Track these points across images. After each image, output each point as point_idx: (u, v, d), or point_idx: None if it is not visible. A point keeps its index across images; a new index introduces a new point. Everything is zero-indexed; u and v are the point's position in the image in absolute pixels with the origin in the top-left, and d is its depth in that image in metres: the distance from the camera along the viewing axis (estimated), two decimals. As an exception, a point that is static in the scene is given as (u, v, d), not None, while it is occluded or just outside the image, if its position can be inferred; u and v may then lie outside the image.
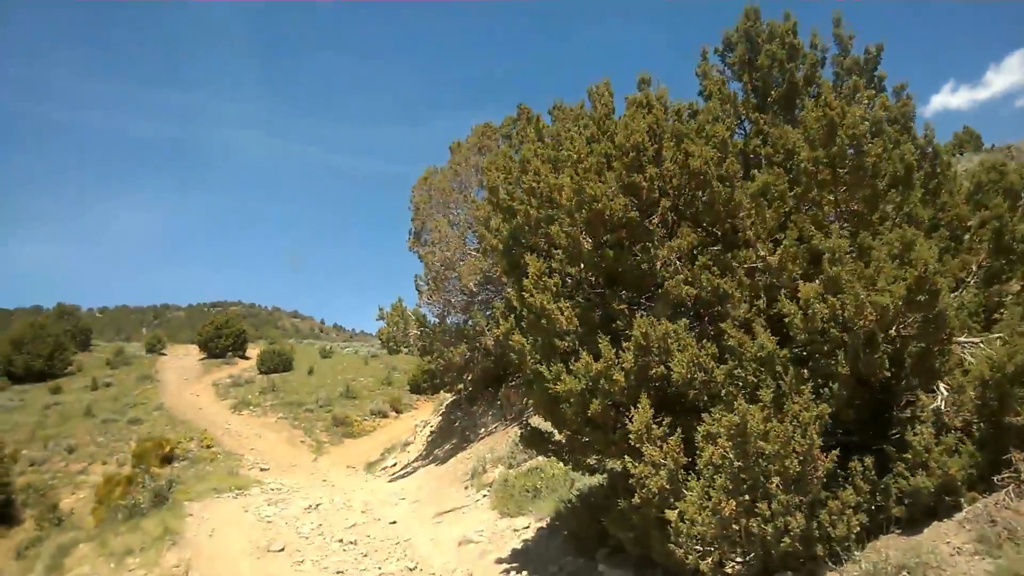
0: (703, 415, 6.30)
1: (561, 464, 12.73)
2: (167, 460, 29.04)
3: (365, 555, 11.50)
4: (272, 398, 36.74)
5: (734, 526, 5.89)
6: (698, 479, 6.14)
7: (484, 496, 14.15)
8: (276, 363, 40.63)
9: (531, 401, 8.42)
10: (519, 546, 10.45)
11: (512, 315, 8.44)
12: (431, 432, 23.55)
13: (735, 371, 6.40)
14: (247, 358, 44.35)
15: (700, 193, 7.37)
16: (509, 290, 9.74)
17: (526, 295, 7.67)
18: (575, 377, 7.20)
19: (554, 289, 7.58)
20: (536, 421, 10.21)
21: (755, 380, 6.32)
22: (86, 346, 47.05)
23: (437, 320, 19.80)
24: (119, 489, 15.40)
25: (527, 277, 7.70)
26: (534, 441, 9.22)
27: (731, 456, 5.86)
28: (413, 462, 21.52)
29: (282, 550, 11.98)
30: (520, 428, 9.01)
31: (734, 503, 5.77)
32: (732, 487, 5.85)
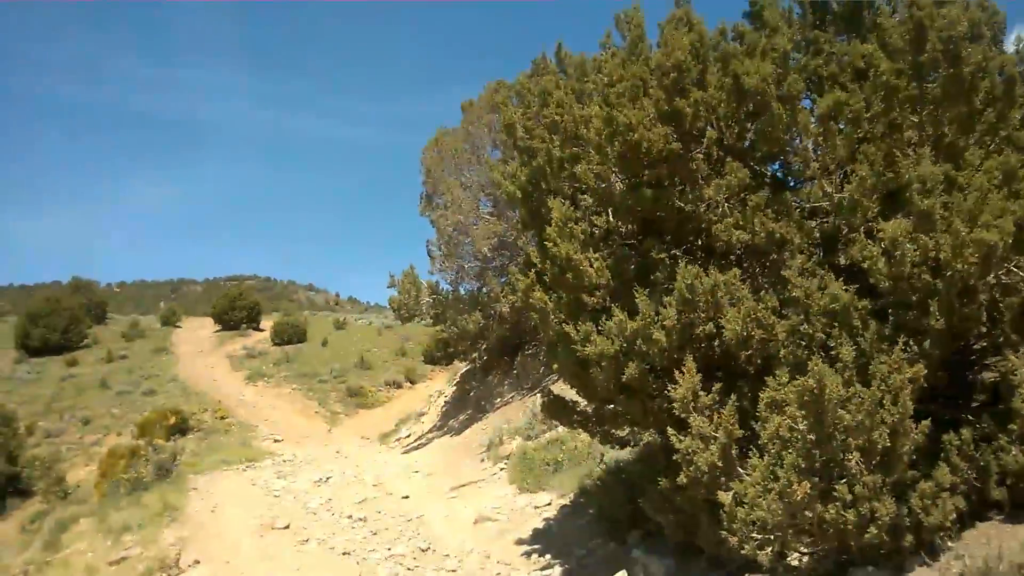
0: (766, 379, 5.18)
1: (585, 436, 11.75)
2: (182, 431, 28.31)
3: (374, 533, 10.52)
4: (286, 369, 35.88)
5: (806, 512, 4.80)
6: (761, 456, 5.04)
7: (501, 469, 13.15)
8: (290, 335, 39.74)
9: (555, 366, 7.30)
10: (540, 525, 9.44)
11: (532, 271, 7.31)
12: (445, 402, 22.57)
13: (800, 327, 5.28)
14: (261, 330, 43.49)
15: (750, 125, 6.22)
16: (530, 248, 8.58)
17: (549, 245, 6.55)
18: (607, 338, 6.10)
19: (582, 237, 6.45)
20: (559, 388, 9.12)
21: (824, 337, 5.21)
22: (102, 319, 46.35)
23: (450, 287, 18.73)
24: (123, 462, 14.51)
25: (550, 225, 6.57)
26: (557, 410, 8.14)
27: (802, 428, 4.76)
28: (427, 433, 20.56)
29: (287, 527, 11.03)
30: (542, 396, 7.88)
31: (808, 485, 4.67)
32: (804, 465, 4.75)
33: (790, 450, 4.79)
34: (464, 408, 20.31)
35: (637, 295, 5.89)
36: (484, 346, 19.18)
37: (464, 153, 18.34)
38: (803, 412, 4.71)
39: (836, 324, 5.16)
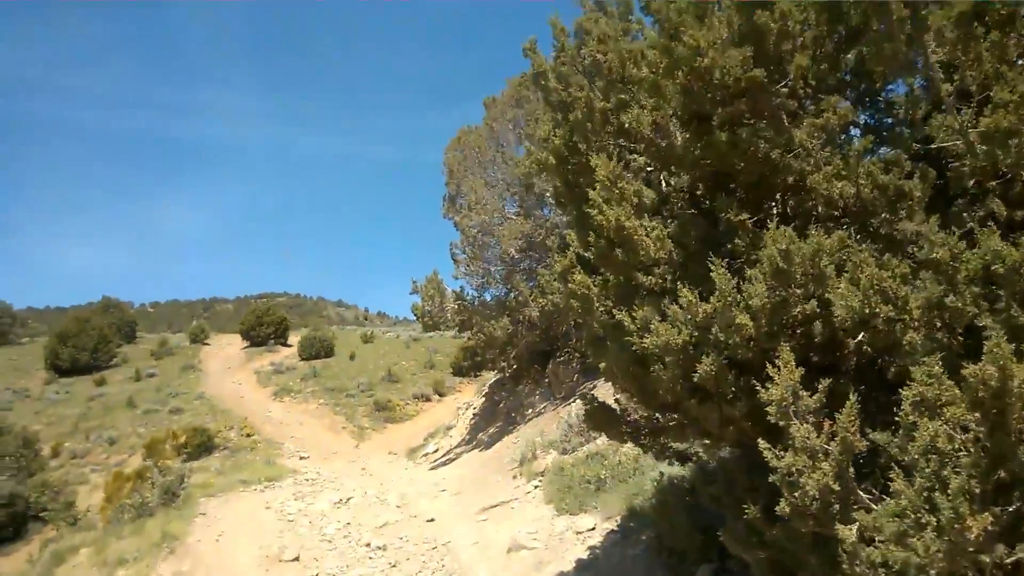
0: (884, 372, 3.70)
1: (629, 449, 10.25)
2: (207, 449, 27.16)
3: (393, 565, 9.12)
4: (313, 384, 34.68)
5: (982, 556, 3.30)
6: (907, 476, 3.55)
7: (536, 487, 11.68)
8: (317, 349, 38.61)
9: (602, 366, 5.83)
10: (584, 555, 7.95)
11: (569, 251, 5.88)
12: (474, 415, 21.15)
13: (945, 300, 3.80)
14: (289, 345, 42.42)
15: (847, 49, 4.78)
16: (569, 233, 7.10)
17: (593, 214, 5.11)
18: (672, 326, 4.66)
19: (635, 200, 5.02)
20: (603, 393, 7.66)
21: (974, 312, 3.72)
22: (132, 338, 45.60)
23: (476, 293, 17.34)
24: (128, 485, 13.26)
25: (594, 189, 5.15)
26: (602, 421, 6.70)
27: (973, 437, 3.27)
28: (456, 447, 19.14)
29: (296, 559, 9.66)
30: (583, 404, 6.42)
31: (988, 518, 3.18)
32: (980, 490, 3.26)
33: (957, 469, 3.29)
34: (493, 420, 18.88)
35: (714, 267, 4.45)
36: (513, 354, 17.74)
37: (488, 151, 16.99)
38: (976, 414, 3.22)
39: (993, 292, 3.68)
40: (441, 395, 33.76)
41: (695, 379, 4.64)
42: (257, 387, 36.03)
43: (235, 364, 40.22)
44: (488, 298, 17.33)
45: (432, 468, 18.17)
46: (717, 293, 4.42)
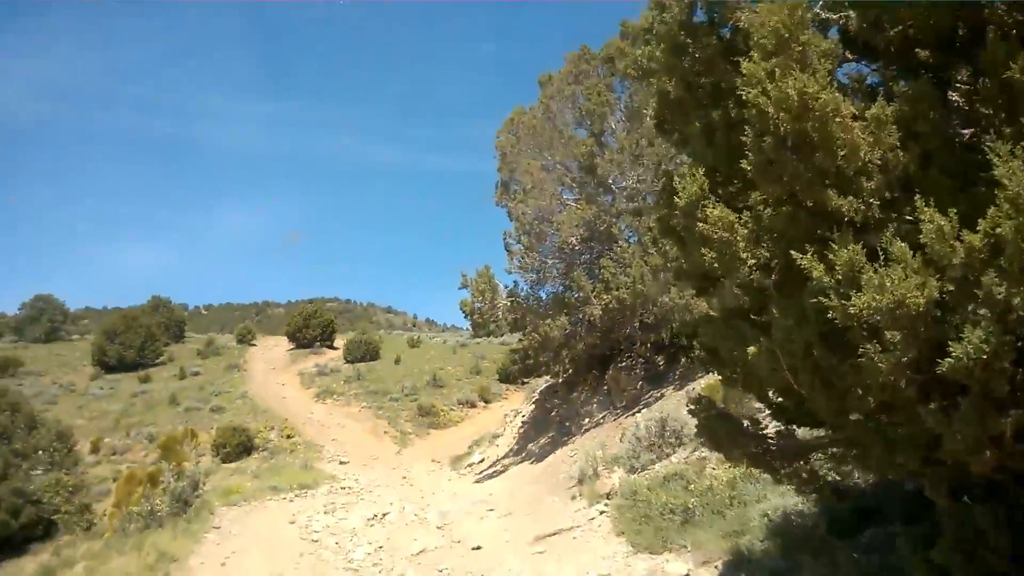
0: None
1: (722, 472, 8.13)
2: (247, 450, 25.64)
3: (429, 610, 7.07)
4: (357, 387, 32.99)
5: None
6: None
7: (601, 513, 9.57)
8: (363, 352, 36.97)
9: (751, 352, 3.63)
10: (681, 615, 5.81)
11: (701, 171, 3.81)
12: (523, 423, 19.08)
13: None
14: (335, 348, 40.92)
15: None
16: (683, 166, 4.99)
17: (751, 95, 3.04)
18: (905, 272, 2.58)
19: (828, 66, 2.94)
20: (710, 390, 5.56)
21: None
22: (180, 338, 44.64)
23: (531, 289, 15.30)
24: (139, 490, 11.52)
25: (749, 58, 3.09)
26: (724, 434, 4.60)
27: None
28: (503, 458, 17.10)
29: (310, 594, 7.68)
30: (695, 408, 4.32)
31: None
32: None
33: None
34: (545, 430, 16.78)
35: (999, 159, 2.36)
36: (569, 357, 15.65)
37: (544, 132, 14.99)
38: None
39: None
40: (487, 402, 31.83)
41: (941, 367, 2.55)
42: (300, 388, 34.55)
43: (280, 365, 38.82)
44: (544, 295, 15.29)
45: (477, 480, 16.15)
46: (992, 214, 2.34)
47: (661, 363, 14.74)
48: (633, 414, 13.28)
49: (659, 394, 13.45)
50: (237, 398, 32.80)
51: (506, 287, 15.37)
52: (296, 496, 15.14)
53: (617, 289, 13.14)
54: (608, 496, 10.10)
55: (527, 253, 14.60)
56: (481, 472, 17.10)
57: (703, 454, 9.91)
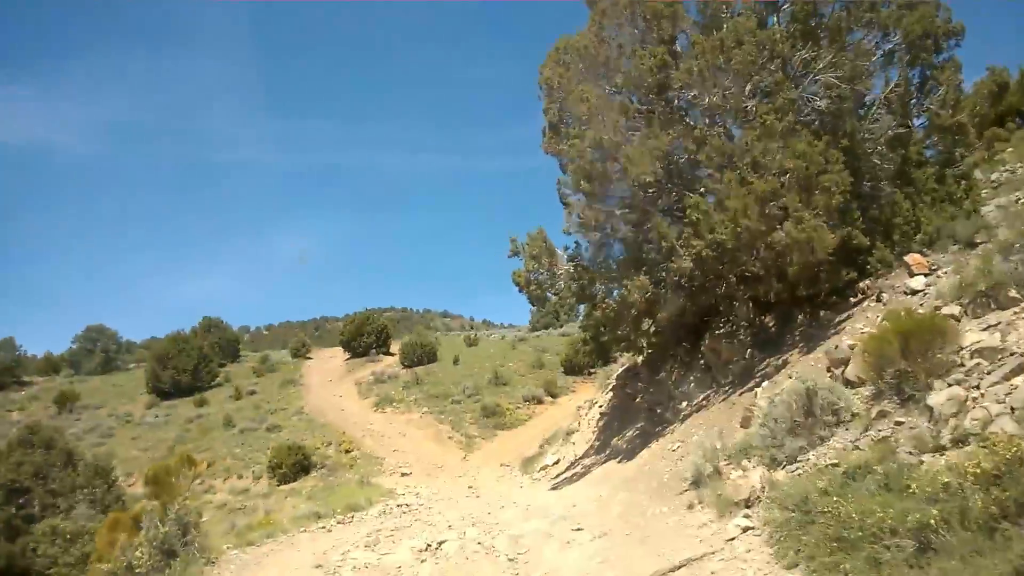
0: None
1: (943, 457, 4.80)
2: (304, 469, 23.07)
3: None
4: (416, 392, 30.17)
5: None
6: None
7: (746, 531, 6.29)
8: (419, 355, 34.12)
9: None
10: None
11: None
12: (601, 414, 15.78)
13: None
14: (392, 354, 38.15)
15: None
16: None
17: None
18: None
19: None
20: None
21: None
22: (236, 357, 42.56)
23: (596, 247, 12.05)
24: (123, 538, 8.70)
25: None
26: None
27: None
28: (582, 458, 13.92)
29: None
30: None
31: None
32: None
33: None
34: (630, 420, 13.50)
35: None
36: (652, 328, 12.35)
37: (600, 53, 11.75)
38: None
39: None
40: (554, 396, 28.71)
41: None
42: (358, 399, 31.93)
43: (336, 377, 36.29)
44: (614, 253, 12.00)
45: (554, 487, 13.00)
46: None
47: (772, 325, 11.34)
48: (749, 390, 9.93)
49: (779, 361, 10.07)
50: (293, 414, 30.34)
51: (566, 248, 12.17)
52: (339, 523, 12.24)
53: (711, 232, 9.81)
54: (749, 503, 6.82)
55: (589, 204, 11.32)
56: (558, 476, 13.94)
57: (882, 432, 6.58)
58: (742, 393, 10.07)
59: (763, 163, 9.82)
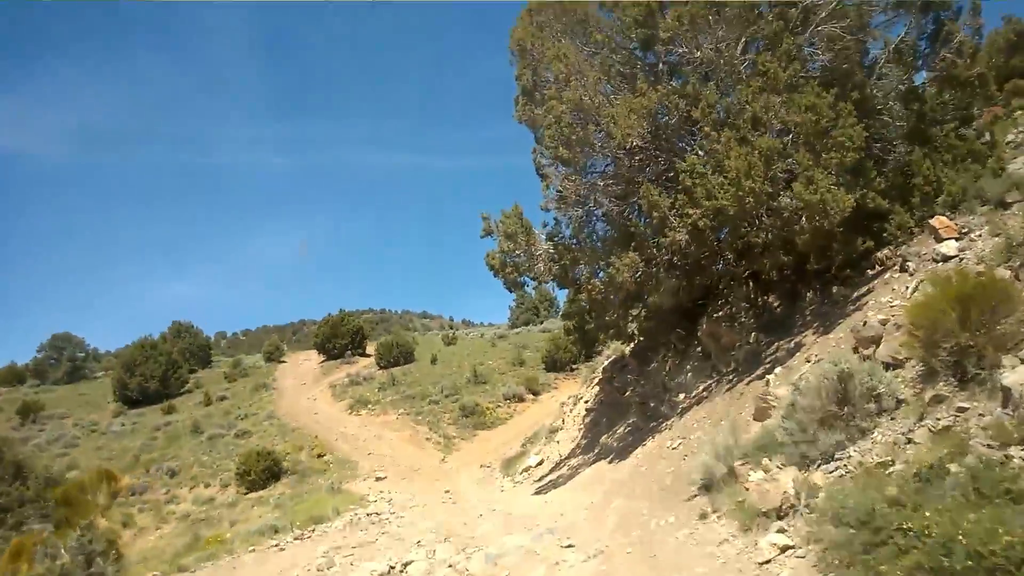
0: None
1: None
2: (275, 475, 21.41)
3: None
4: (392, 393, 28.55)
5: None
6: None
7: (785, 551, 4.86)
8: (396, 355, 32.49)
9: None
10: None
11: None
12: (587, 410, 14.30)
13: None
14: (367, 355, 36.47)
15: None
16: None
17: None
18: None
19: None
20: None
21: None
22: (207, 363, 40.58)
23: (578, 223, 10.59)
24: (24, 569, 7.11)
25: None
26: None
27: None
28: (568, 458, 12.47)
29: None
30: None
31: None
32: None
33: None
34: (620, 415, 12.06)
35: None
36: (642, 313, 10.93)
37: (577, 7, 10.30)
38: None
39: None
40: (535, 394, 27.22)
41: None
42: (332, 401, 30.24)
43: (310, 380, 34.55)
44: (598, 230, 10.55)
45: (539, 490, 11.52)
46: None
47: (777, 305, 9.97)
48: (759, 377, 8.54)
49: (790, 344, 8.68)
50: (264, 419, 28.51)
51: (544, 226, 10.72)
52: (296, 539, 10.65)
53: (709, 198, 8.40)
54: (781, 514, 5.39)
55: (569, 175, 9.88)
56: (542, 478, 12.47)
57: (942, 421, 5.20)
58: (750, 381, 8.67)
59: (765, 120, 8.44)
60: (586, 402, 14.60)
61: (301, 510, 16.52)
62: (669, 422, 9.70)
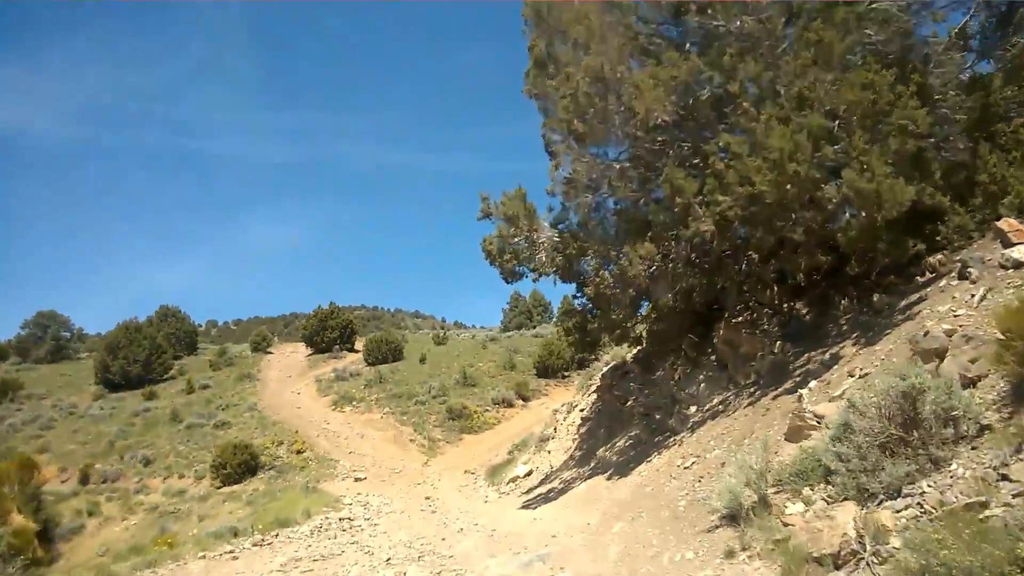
0: None
1: None
2: (251, 470, 20.10)
3: None
4: (378, 391, 27.21)
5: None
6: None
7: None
8: (384, 352, 31.17)
9: None
10: None
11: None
12: (582, 419, 13.01)
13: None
14: (356, 351, 35.13)
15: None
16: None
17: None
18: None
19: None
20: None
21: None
22: (193, 350, 39.15)
23: (586, 210, 9.33)
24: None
25: None
26: None
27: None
28: (560, 470, 11.20)
29: None
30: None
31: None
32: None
33: None
34: (621, 427, 10.79)
35: None
36: (652, 315, 9.68)
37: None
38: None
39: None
40: (525, 400, 26.00)
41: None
42: (316, 396, 28.87)
43: (296, 372, 33.19)
44: (610, 219, 9.30)
45: (527, 504, 10.25)
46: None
47: (805, 312, 8.74)
48: (788, 392, 7.30)
49: (825, 356, 7.45)
50: (246, 411, 27.08)
51: (550, 210, 9.46)
52: (256, 545, 9.34)
53: (742, 184, 7.18)
54: (840, 561, 4.16)
55: (581, 153, 8.65)
56: (530, 491, 11.20)
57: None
58: (776, 396, 7.43)
59: (812, 99, 7.23)
60: (582, 410, 13.33)
61: (272, 509, 15.25)
62: (679, 437, 8.45)
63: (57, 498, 21.75)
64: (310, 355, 35.66)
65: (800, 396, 6.91)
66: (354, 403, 26.58)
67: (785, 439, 6.42)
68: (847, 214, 7.23)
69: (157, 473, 23.08)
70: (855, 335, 7.47)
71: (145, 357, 32.50)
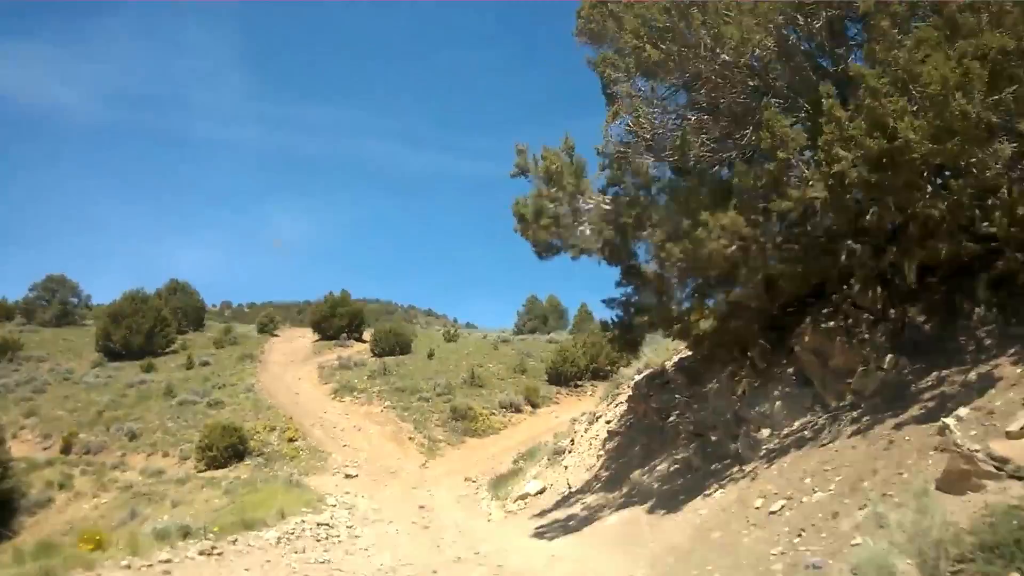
0: None
1: None
2: (238, 455, 18.11)
3: None
4: (381, 383, 25.09)
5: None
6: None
7: None
8: (392, 344, 29.08)
9: None
10: None
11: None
12: (609, 432, 10.77)
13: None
14: (363, 341, 33.13)
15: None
16: None
17: None
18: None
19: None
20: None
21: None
22: (199, 325, 37.32)
23: (648, 172, 7.20)
24: None
25: None
26: None
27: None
28: (582, 492, 9.03)
29: None
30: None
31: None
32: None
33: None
34: (661, 447, 8.59)
35: None
36: (725, 298, 7.51)
37: None
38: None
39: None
40: (535, 406, 23.88)
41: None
42: (317, 383, 26.86)
43: (299, 357, 31.24)
44: (680, 184, 7.16)
45: (541, 533, 8.10)
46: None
47: (923, 320, 6.57)
48: (920, 420, 5.14)
49: (970, 376, 5.30)
50: (242, 392, 25.12)
51: (603, 169, 7.34)
52: (205, 553, 7.23)
53: (874, 133, 5.06)
54: None
55: (654, 90, 6.55)
56: (544, 514, 9.03)
57: None
58: (901, 424, 5.27)
59: (969, 24, 5.10)
60: (608, 422, 11.10)
61: (245, 504, 13.21)
62: (750, 467, 6.29)
63: (30, 466, 19.93)
64: (317, 341, 33.70)
65: (946, 427, 4.75)
66: (355, 393, 24.59)
67: (937, 488, 4.28)
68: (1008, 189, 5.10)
69: (141, 448, 21.19)
70: (1012, 351, 5.31)
71: (148, 328, 30.76)
